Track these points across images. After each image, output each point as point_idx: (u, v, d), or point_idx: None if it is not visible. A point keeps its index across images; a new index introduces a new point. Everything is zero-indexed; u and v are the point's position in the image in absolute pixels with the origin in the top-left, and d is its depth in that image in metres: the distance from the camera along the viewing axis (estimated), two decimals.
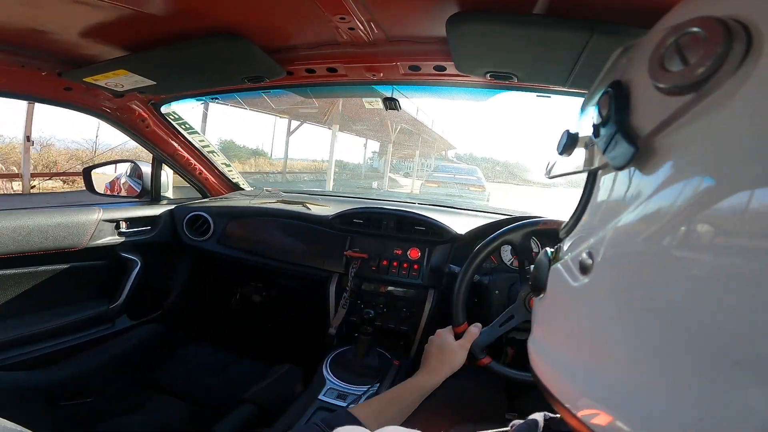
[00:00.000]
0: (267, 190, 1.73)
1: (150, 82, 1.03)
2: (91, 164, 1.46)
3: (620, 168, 0.24)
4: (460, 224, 1.23)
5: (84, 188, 1.43)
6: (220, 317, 1.74)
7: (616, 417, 0.22)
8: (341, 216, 1.28)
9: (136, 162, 1.50)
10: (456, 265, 1.09)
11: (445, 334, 0.88)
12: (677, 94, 0.20)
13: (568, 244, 0.31)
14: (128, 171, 1.52)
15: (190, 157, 1.52)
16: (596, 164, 0.27)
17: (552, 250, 0.34)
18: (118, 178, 1.53)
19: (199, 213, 1.43)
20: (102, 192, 1.44)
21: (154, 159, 1.46)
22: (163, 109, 1.34)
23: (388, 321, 1.22)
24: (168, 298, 1.52)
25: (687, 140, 0.20)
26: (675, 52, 0.21)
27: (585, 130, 0.30)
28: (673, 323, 0.20)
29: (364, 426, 0.50)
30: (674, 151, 0.21)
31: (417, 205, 1.55)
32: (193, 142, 1.49)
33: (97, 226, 1.20)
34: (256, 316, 1.76)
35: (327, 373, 1.06)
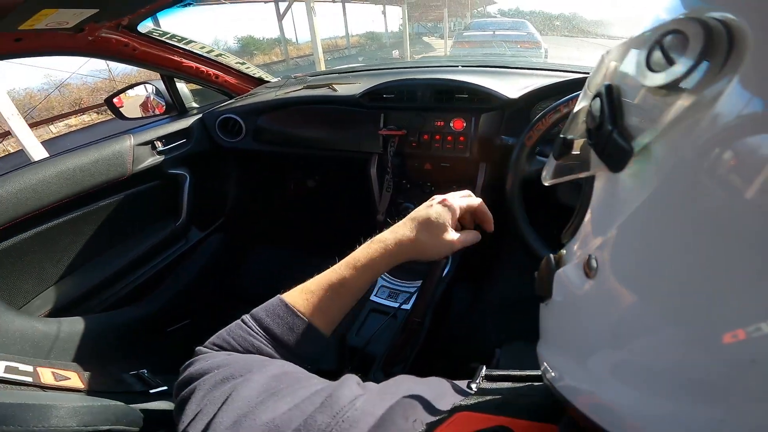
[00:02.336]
0: (294, 77, 1.61)
1: (91, 11, 0.90)
2: (110, 93, 1.40)
3: (616, 170, 0.24)
4: (513, 87, 1.06)
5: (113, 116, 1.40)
6: (280, 213, 1.80)
7: (632, 423, 0.23)
8: (369, 93, 1.17)
9: (150, 82, 1.43)
10: (510, 137, 0.97)
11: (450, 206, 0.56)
12: (664, 94, 0.21)
13: (571, 248, 0.31)
14: (151, 90, 1.46)
15: (198, 66, 1.41)
16: (593, 168, 0.27)
17: (556, 255, 0.33)
18: (147, 97, 1.48)
19: (228, 116, 1.38)
20: (130, 117, 1.41)
21: (162, 77, 1.38)
22: (141, 29, 1.18)
23: None
24: (226, 204, 1.56)
25: (678, 140, 0.20)
26: (660, 53, 0.21)
27: (579, 135, 0.30)
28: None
29: (301, 316, 0.46)
30: (668, 152, 0.21)
31: (460, 68, 1.36)
32: (194, 50, 1.37)
33: (134, 152, 1.19)
34: (313, 205, 1.80)
35: None
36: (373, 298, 1.06)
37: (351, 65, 1.76)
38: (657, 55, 0.21)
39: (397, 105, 1.14)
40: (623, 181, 0.24)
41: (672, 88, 0.20)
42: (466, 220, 0.59)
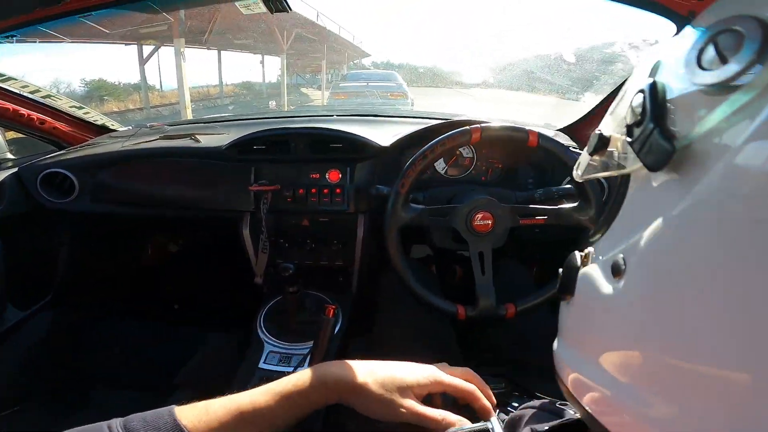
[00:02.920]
0: (150, 126, 1.42)
1: None
2: None
3: (655, 169, 0.23)
4: (385, 135, 1.08)
5: None
6: (138, 281, 1.52)
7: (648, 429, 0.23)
8: (236, 144, 1.06)
9: None
10: (384, 186, 0.97)
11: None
12: (715, 93, 0.20)
13: (600, 247, 0.30)
14: None
15: (15, 107, 1.15)
16: (629, 166, 0.27)
17: (582, 253, 0.32)
18: None
19: (55, 170, 1.12)
20: None
21: None
22: None
23: (320, 257, 1.10)
24: (56, 275, 1.27)
25: (726, 141, 0.19)
26: (713, 50, 0.21)
27: (617, 131, 0.29)
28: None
29: None
30: (713, 153, 0.20)
31: (335, 117, 1.36)
32: (12, 90, 1.13)
33: None
34: (178, 271, 1.57)
35: (263, 333, 0.95)
36: (262, 365, 0.93)
37: (220, 115, 1.65)
38: (709, 53, 0.21)
39: (270, 157, 1.07)
40: (661, 181, 0.24)
41: (724, 86, 0.20)
42: (437, 399, 0.47)
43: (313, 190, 1.04)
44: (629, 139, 0.26)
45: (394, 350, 0.57)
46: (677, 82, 0.24)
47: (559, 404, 0.42)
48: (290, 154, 1.06)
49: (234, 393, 0.43)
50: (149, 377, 1.15)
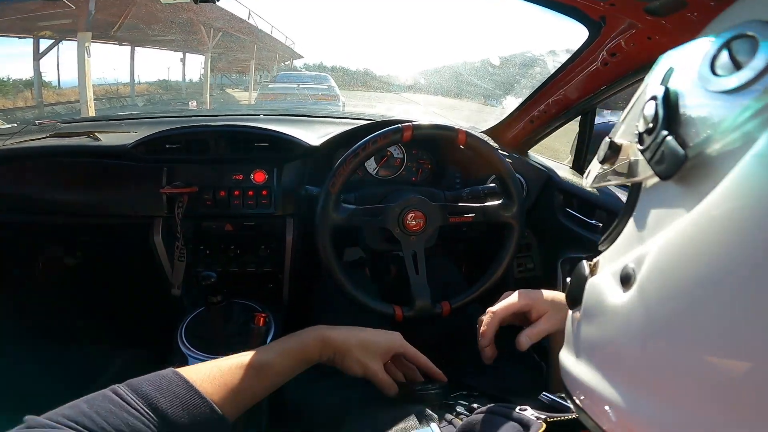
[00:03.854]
0: (39, 123, 1.22)
1: None
2: None
3: (667, 177, 0.23)
4: (315, 135, 1.04)
5: None
6: (27, 301, 1.30)
7: None
8: (146, 142, 0.96)
9: None
10: (314, 186, 0.94)
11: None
12: (729, 100, 0.20)
13: (608, 256, 0.30)
14: None
15: None
16: (640, 174, 0.27)
17: (591, 263, 0.32)
18: None
19: None
20: None
21: None
22: None
23: (247, 264, 1.04)
24: None
25: (740, 148, 0.19)
26: (727, 56, 0.21)
27: (628, 139, 0.29)
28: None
29: (204, 396, 0.39)
30: (726, 161, 0.20)
31: (261, 117, 1.29)
32: None
33: None
34: (78, 287, 1.36)
35: (185, 346, 0.87)
36: None
37: (127, 113, 1.48)
38: (723, 59, 0.21)
39: (185, 157, 0.98)
40: (673, 190, 0.24)
41: (738, 92, 0.19)
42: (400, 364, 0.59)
43: (236, 193, 0.97)
44: (641, 147, 0.26)
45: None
46: (690, 88, 0.23)
47: (505, 406, 0.43)
48: (209, 153, 0.98)
49: None
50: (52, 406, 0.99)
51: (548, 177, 1.11)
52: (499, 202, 0.85)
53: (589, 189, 0.98)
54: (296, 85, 7.28)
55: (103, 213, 0.99)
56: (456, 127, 0.82)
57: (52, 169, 0.97)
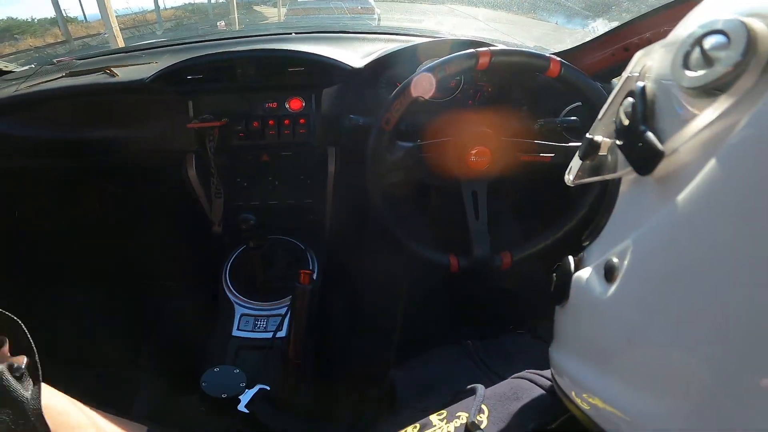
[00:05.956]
0: (56, 62, 1.13)
1: None
2: None
3: (645, 173, 0.24)
4: (356, 55, 0.91)
5: None
6: (70, 243, 1.33)
7: None
8: (165, 75, 0.86)
9: None
10: (360, 116, 0.82)
11: None
12: (702, 96, 0.20)
13: (592, 251, 0.31)
14: None
15: None
16: (619, 170, 0.27)
17: (576, 257, 0.32)
18: None
19: None
20: None
21: None
22: None
23: (286, 196, 0.98)
24: None
25: (713, 143, 0.19)
26: (699, 53, 0.21)
27: (607, 135, 0.29)
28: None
29: None
30: (700, 155, 0.20)
31: (293, 36, 1.14)
32: None
33: None
34: (116, 229, 1.38)
35: (231, 293, 0.86)
36: (236, 333, 0.86)
37: (148, 42, 1.35)
38: (695, 55, 0.21)
39: (211, 87, 0.88)
40: (651, 185, 0.24)
41: (710, 89, 0.19)
42: None
43: (271, 122, 0.89)
44: (619, 143, 0.26)
45: (374, 307, 0.57)
46: (665, 85, 0.23)
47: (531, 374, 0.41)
48: (237, 81, 0.88)
49: (210, 367, 0.47)
50: (110, 351, 1.05)
51: None
52: None
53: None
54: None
55: (133, 151, 0.94)
56: (548, 55, 0.68)
57: (71, 109, 0.91)
